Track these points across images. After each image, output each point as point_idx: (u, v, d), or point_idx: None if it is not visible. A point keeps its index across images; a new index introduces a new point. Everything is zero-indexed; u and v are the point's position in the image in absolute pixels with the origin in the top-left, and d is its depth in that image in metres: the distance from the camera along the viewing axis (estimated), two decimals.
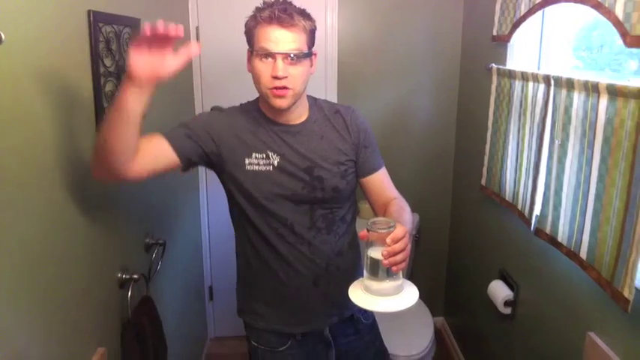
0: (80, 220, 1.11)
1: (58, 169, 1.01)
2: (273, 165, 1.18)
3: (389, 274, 0.95)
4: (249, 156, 1.17)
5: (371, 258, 0.96)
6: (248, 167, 1.17)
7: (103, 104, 1.23)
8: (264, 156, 1.18)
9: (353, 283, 1.01)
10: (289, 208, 1.19)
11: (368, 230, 0.95)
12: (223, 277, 2.59)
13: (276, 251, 1.22)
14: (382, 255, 0.91)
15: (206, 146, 1.17)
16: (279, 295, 1.25)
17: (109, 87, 1.28)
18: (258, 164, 1.17)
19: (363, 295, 0.97)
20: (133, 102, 0.92)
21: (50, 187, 0.98)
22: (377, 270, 0.95)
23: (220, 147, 1.18)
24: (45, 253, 0.95)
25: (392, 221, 0.96)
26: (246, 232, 1.25)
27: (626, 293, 1.10)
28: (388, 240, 0.91)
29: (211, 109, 1.23)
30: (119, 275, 1.34)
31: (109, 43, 1.26)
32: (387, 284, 0.96)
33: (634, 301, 1.09)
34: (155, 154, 1.10)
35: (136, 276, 1.39)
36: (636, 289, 1.09)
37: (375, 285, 0.96)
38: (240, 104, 1.27)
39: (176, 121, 1.20)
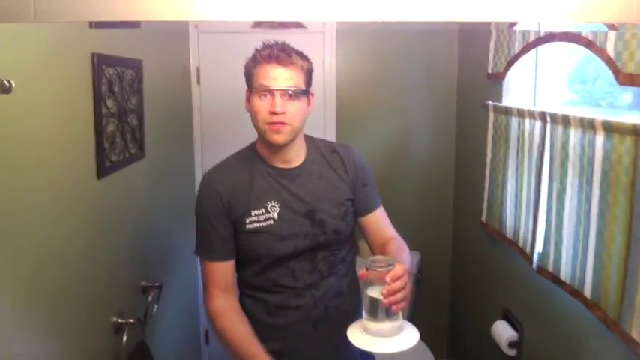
0: (77, 263, 1.09)
1: (56, 210, 1.00)
2: (273, 219, 1.16)
3: (388, 314, 0.93)
4: (249, 215, 1.16)
5: (370, 297, 0.94)
6: (248, 226, 1.16)
7: (104, 145, 1.24)
8: (263, 211, 1.17)
9: (352, 324, 0.99)
10: (290, 258, 1.18)
11: (367, 269, 0.94)
12: None
13: (276, 299, 1.20)
14: (382, 294, 0.90)
15: (231, 222, 1.18)
16: (280, 344, 1.21)
17: (110, 128, 1.29)
18: (258, 221, 1.16)
19: (362, 336, 0.95)
20: None
21: (47, 229, 0.97)
22: (376, 310, 0.94)
23: (233, 211, 1.18)
24: (37, 295, 0.93)
25: (391, 259, 0.95)
26: (244, 280, 1.23)
27: (634, 335, 1.07)
28: (387, 278, 0.90)
29: (203, 177, 1.23)
30: (114, 319, 1.31)
31: (111, 85, 1.28)
32: (387, 325, 0.94)
33: None
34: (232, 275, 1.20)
35: (131, 320, 1.35)
36: None
37: (374, 325, 0.95)
38: (236, 152, 1.27)
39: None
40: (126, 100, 1.41)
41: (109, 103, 1.28)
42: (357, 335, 0.96)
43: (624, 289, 1.11)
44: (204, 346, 2.63)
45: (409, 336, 0.95)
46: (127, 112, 1.42)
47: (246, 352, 1.10)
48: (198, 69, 2.36)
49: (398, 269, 0.92)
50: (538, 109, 1.54)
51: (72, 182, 1.08)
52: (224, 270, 1.18)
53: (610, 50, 1.15)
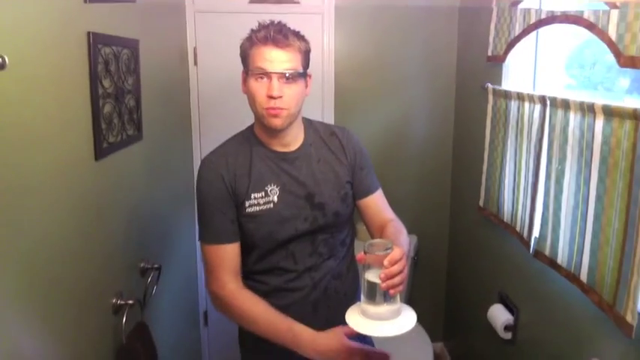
0: (75, 245, 1.09)
1: (54, 191, 1.00)
2: (273, 202, 1.16)
3: (386, 298, 0.94)
4: (249, 198, 1.16)
5: (368, 281, 0.94)
6: (248, 209, 1.16)
7: (101, 125, 1.23)
8: (263, 194, 1.16)
9: (350, 308, 1.00)
10: (290, 240, 1.18)
11: (365, 252, 0.94)
12: None
13: (276, 281, 1.20)
14: (380, 278, 0.91)
15: (235, 205, 1.17)
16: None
17: (107, 108, 1.28)
18: (258, 204, 1.16)
19: (360, 319, 0.96)
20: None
21: (44, 210, 0.97)
22: (374, 294, 0.94)
23: (237, 194, 1.17)
24: (34, 276, 0.93)
25: (389, 243, 0.95)
26: (244, 263, 1.23)
27: (628, 318, 1.08)
28: (386, 262, 0.91)
29: (202, 162, 1.22)
30: (114, 301, 1.31)
31: (107, 65, 1.27)
32: (385, 308, 0.94)
33: (638, 327, 1.07)
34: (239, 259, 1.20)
35: (130, 301, 1.36)
36: (639, 313, 1.07)
37: (372, 309, 0.95)
38: (234, 135, 1.26)
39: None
40: (122, 81, 1.39)
41: (106, 83, 1.27)
42: (356, 319, 0.96)
43: (620, 273, 1.11)
44: (202, 328, 2.65)
45: (407, 319, 0.95)
46: (124, 92, 1.41)
47: (279, 326, 1.09)
48: (195, 49, 2.33)
49: (396, 253, 0.92)
50: (538, 93, 1.53)
51: (69, 163, 1.08)
52: (233, 253, 1.17)
53: (612, 32, 1.14)
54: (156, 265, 1.62)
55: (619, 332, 1.13)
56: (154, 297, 1.62)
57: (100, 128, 1.23)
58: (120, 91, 1.37)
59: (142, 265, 1.56)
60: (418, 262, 2.63)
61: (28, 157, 0.90)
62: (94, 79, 1.18)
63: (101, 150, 1.23)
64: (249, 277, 1.23)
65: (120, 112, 1.37)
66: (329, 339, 1.06)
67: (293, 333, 1.07)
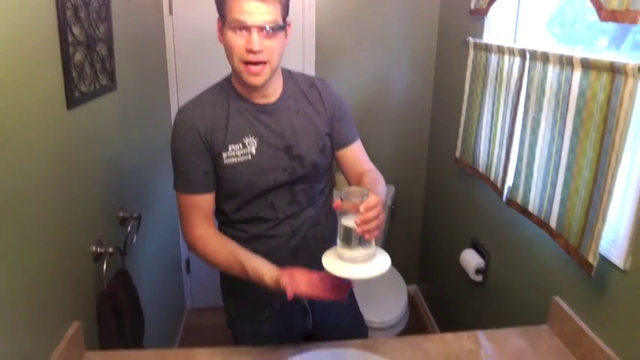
0: (48, 193, 1.08)
1: (26, 140, 0.98)
2: (251, 154, 1.15)
3: (361, 242, 0.96)
4: (226, 149, 1.15)
5: (344, 226, 0.96)
6: (226, 161, 1.15)
7: (72, 74, 1.18)
8: (241, 146, 1.15)
9: (326, 252, 1.02)
10: (269, 190, 1.19)
11: (341, 200, 0.95)
12: None
13: (256, 229, 1.22)
14: (355, 223, 0.92)
15: (211, 156, 1.16)
16: None
17: (78, 57, 1.23)
18: (235, 156, 1.15)
19: (335, 262, 0.98)
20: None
21: (18, 160, 0.95)
22: (350, 238, 0.96)
23: (213, 147, 1.15)
24: (11, 227, 0.93)
25: (365, 190, 0.97)
26: (224, 212, 1.24)
27: (590, 259, 1.15)
28: (361, 208, 0.92)
29: (178, 112, 1.18)
30: (93, 249, 1.33)
31: (77, 11, 1.21)
32: (360, 252, 0.97)
33: (597, 267, 1.14)
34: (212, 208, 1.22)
35: (110, 249, 1.37)
36: (600, 255, 1.15)
37: (347, 253, 0.97)
38: (211, 86, 1.22)
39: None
40: (94, 29, 1.33)
41: (76, 30, 1.21)
42: (331, 262, 0.98)
43: (587, 219, 1.17)
44: (185, 275, 2.71)
45: (381, 262, 0.98)
46: (96, 40, 1.35)
47: (243, 262, 1.10)
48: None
49: (371, 200, 0.94)
50: (518, 46, 1.53)
51: (40, 112, 1.04)
52: (205, 203, 1.18)
53: None
54: (135, 215, 1.62)
55: (581, 272, 1.21)
56: (135, 245, 1.64)
57: (71, 77, 1.18)
58: (91, 39, 1.31)
59: (121, 214, 1.57)
60: (395, 211, 2.70)
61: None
62: (62, 27, 1.12)
63: (73, 99, 1.20)
64: (230, 225, 1.25)
65: (92, 60, 1.32)
66: (288, 271, 1.06)
67: (248, 275, 1.09)
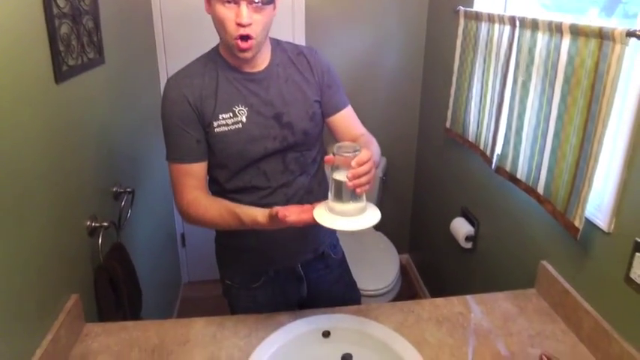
0: (40, 168, 1.08)
1: (15, 115, 0.97)
2: (242, 122, 1.15)
3: (352, 196, 0.97)
4: (217, 118, 1.15)
5: (335, 180, 0.97)
6: (217, 130, 1.15)
7: (59, 47, 1.17)
8: (231, 115, 1.15)
9: (317, 205, 1.02)
10: (261, 158, 1.20)
11: (334, 154, 0.96)
12: None
13: (250, 198, 1.23)
14: (347, 177, 0.93)
15: (202, 125, 1.15)
16: (254, 239, 1.28)
17: (64, 29, 1.21)
18: (226, 124, 1.15)
19: (326, 214, 0.99)
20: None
21: (9, 136, 0.95)
22: (341, 192, 0.97)
23: (203, 116, 1.15)
24: (7, 201, 0.93)
25: (357, 146, 0.97)
26: (217, 181, 1.25)
27: (576, 223, 1.18)
28: (353, 163, 0.93)
29: (167, 82, 1.17)
30: (88, 223, 1.34)
31: None
32: (351, 206, 0.98)
33: (583, 230, 1.18)
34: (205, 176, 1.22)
35: (105, 224, 1.38)
36: (585, 219, 1.18)
37: (338, 206, 0.98)
38: (200, 57, 1.21)
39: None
40: (79, 1, 1.31)
41: (61, 2, 1.19)
42: (322, 214, 0.99)
43: (573, 185, 1.20)
44: (180, 249, 2.74)
45: (371, 216, 1.00)
46: (81, 13, 1.33)
47: (235, 211, 1.10)
48: None
49: (363, 155, 0.95)
50: (508, 14, 1.53)
51: (28, 86, 1.03)
52: (197, 171, 1.18)
53: None
54: (129, 189, 1.63)
55: (567, 236, 1.25)
56: (130, 220, 1.65)
57: (58, 50, 1.17)
58: (77, 12, 1.29)
59: (114, 189, 1.57)
60: (386, 181, 2.72)
61: None
62: None
63: (61, 73, 1.19)
64: (224, 195, 1.25)
65: (78, 33, 1.30)
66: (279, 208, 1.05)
67: (242, 221, 1.09)
